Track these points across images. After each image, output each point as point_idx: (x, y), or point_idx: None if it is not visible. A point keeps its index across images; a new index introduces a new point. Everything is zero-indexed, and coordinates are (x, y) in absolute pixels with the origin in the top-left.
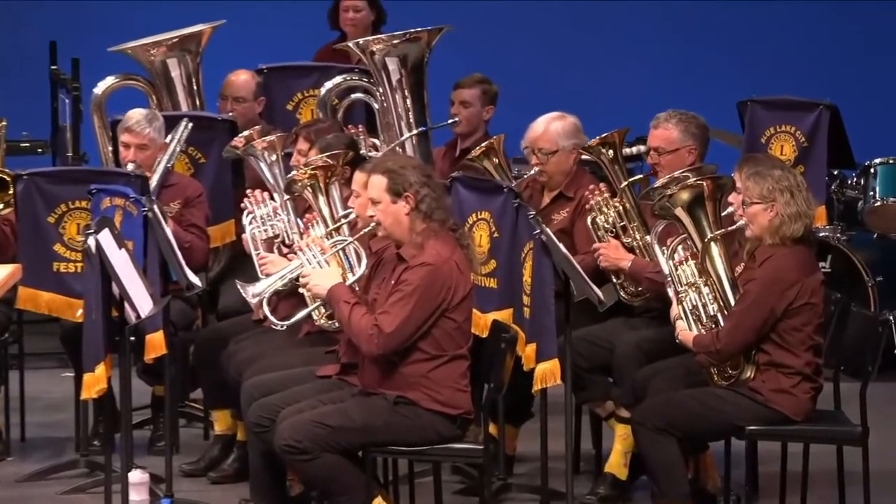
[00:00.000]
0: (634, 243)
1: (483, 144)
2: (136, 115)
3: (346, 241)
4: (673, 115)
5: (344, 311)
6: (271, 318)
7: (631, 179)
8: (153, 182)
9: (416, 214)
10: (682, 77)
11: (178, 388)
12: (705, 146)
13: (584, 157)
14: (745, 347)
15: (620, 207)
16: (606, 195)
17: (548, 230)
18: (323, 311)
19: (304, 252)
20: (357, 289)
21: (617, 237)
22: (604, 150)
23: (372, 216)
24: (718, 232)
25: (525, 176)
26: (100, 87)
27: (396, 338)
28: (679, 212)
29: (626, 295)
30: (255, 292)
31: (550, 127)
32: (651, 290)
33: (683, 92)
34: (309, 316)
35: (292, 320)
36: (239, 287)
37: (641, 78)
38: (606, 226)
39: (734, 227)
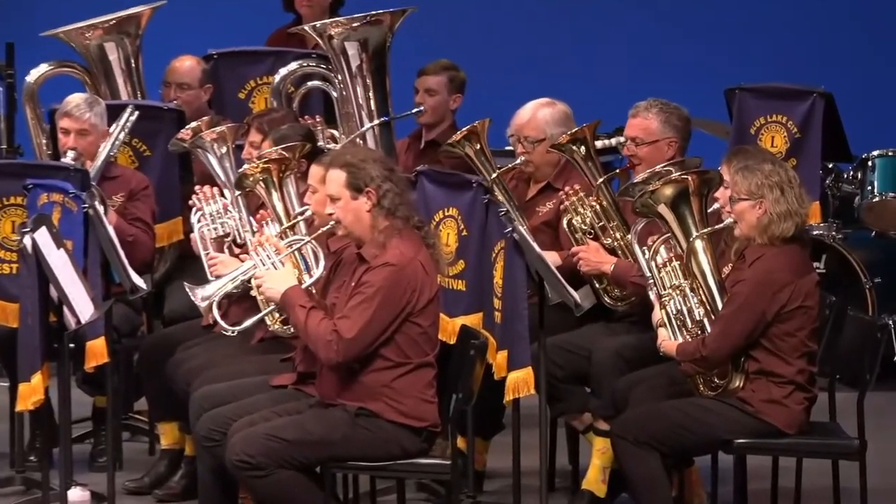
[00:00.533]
0: (615, 244)
1: (465, 128)
2: (75, 99)
3: (302, 240)
4: (654, 104)
5: (300, 316)
6: (221, 322)
7: (608, 175)
8: (93, 171)
9: (377, 211)
10: (664, 64)
11: (121, 398)
12: (686, 140)
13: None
14: (734, 354)
15: (597, 206)
16: (581, 194)
17: (520, 228)
18: (277, 315)
19: (258, 252)
20: (314, 292)
21: (596, 238)
22: (575, 148)
23: (330, 213)
24: (704, 230)
25: (509, 165)
26: (32, 76)
27: (357, 344)
28: (662, 209)
29: (610, 300)
30: (204, 295)
31: (538, 114)
32: (637, 294)
33: (666, 79)
34: (262, 321)
35: (244, 325)
36: (187, 289)
37: (621, 65)
38: (584, 227)
39: (721, 225)
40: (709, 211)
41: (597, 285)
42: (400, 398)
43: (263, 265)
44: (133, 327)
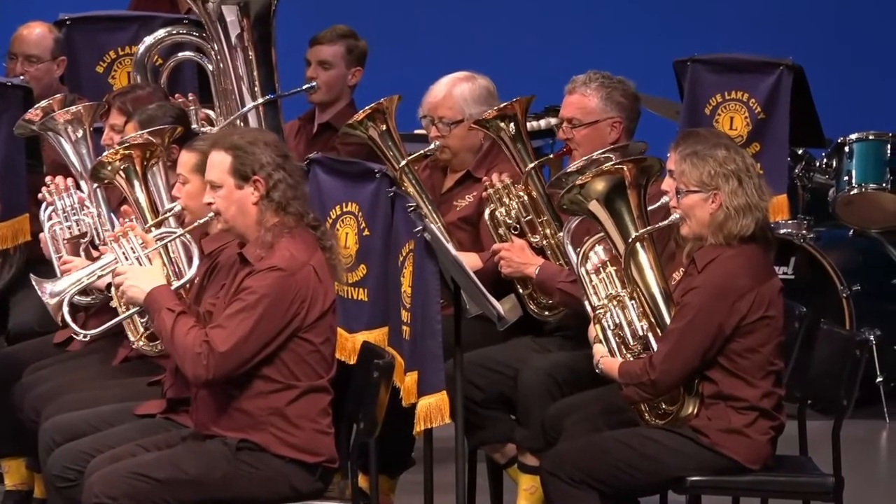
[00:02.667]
0: (545, 242)
1: (368, 107)
2: None
3: (174, 232)
4: (594, 77)
5: (166, 322)
6: (72, 324)
7: (538, 161)
8: None
9: (265, 205)
10: (604, 31)
11: None
12: (634, 120)
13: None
14: (687, 376)
15: (525, 197)
16: (508, 182)
17: (432, 227)
18: (141, 328)
19: (120, 244)
20: (185, 297)
21: (522, 235)
22: (503, 125)
23: (210, 203)
24: (645, 230)
25: (421, 152)
26: None
27: (231, 359)
28: (594, 206)
29: (536, 309)
30: (53, 291)
31: (454, 91)
32: (566, 305)
33: (607, 49)
34: (124, 333)
35: (99, 330)
36: (34, 283)
37: (553, 32)
38: (509, 221)
39: (665, 222)
40: (653, 207)
41: (521, 291)
42: (289, 428)
43: (126, 260)
44: None
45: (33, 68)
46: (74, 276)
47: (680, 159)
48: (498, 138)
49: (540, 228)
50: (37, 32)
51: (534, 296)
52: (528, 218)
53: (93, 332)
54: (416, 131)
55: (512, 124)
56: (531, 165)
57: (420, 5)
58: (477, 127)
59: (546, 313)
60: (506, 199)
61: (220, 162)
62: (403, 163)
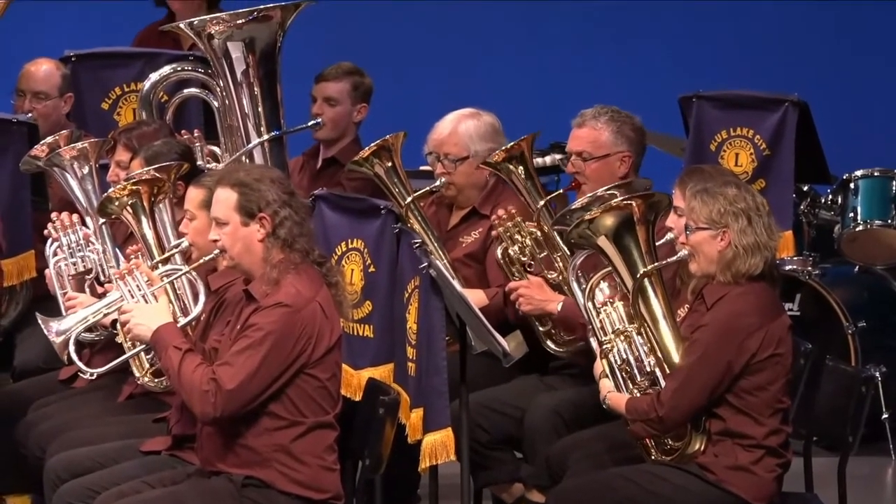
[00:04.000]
0: (561, 278)
1: (375, 143)
2: None
3: (179, 269)
4: (603, 111)
5: (173, 360)
6: (79, 363)
7: (549, 196)
8: None
9: (272, 242)
10: (606, 67)
11: None
12: (641, 155)
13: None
14: (695, 413)
15: (538, 233)
16: (518, 219)
17: (438, 263)
18: (147, 365)
19: (126, 282)
20: (191, 334)
21: (526, 270)
22: (512, 168)
23: (215, 240)
24: (653, 266)
25: (427, 189)
26: None
27: (238, 397)
28: (602, 241)
29: (555, 346)
30: (59, 329)
31: (460, 127)
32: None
33: (609, 85)
34: (130, 373)
35: (105, 368)
36: (40, 322)
37: (555, 68)
38: (523, 259)
39: (674, 258)
40: (660, 242)
41: (540, 328)
42: (295, 465)
43: (132, 297)
44: None
45: (41, 105)
46: (80, 315)
47: (690, 196)
48: (509, 180)
49: (556, 264)
50: (44, 69)
51: (552, 333)
52: (544, 254)
53: (99, 370)
54: (422, 167)
55: (520, 166)
56: (542, 202)
57: (426, 42)
58: (486, 167)
59: (565, 349)
60: (517, 237)
61: (225, 199)
62: (409, 199)
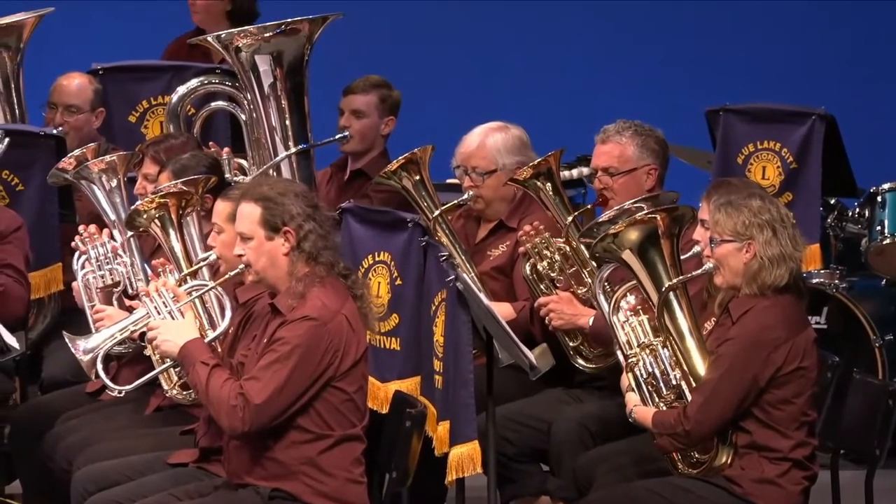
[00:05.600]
0: (591, 293)
1: (403, 157)
2: None
3: (205, 285)
4: (626, 126)
5: (201, 375)
6: (107, 381)
7: (578, 212)
8: None
9: (296, 255)
10: (632, 80)
11: None
12: (665, 167)
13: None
14: (721, 427)
15: (567, 248)
16: (546, 234)
17: (465, 276)
18: (175, 378)
19: (152, 299)
20: (219, 349)
21: (555, 285)
22: (540, 184)
23: (240, 255)
24: (679, 279)
25: (455, 202)
26: None
27: (267, 411)
28: (627, 255)
29: (584, 362)
30: (87, 348)
31: (488, 141)
32: None
33: (634, 98)
34: (158, 385)
35: (133, 385)
36: (67, 341)
37: (581, 82)
38: (552, 274)
39: (699, 272)
40: (685, 256)
41: (570, 344)
42: (322, 477)
43: (159, 314)
44: (4, 395)
45: (73, 118)
46: (107, 333)
47: (714, 209)
48: (537, 197)
49: (585, 279)
50: (77, 83)
51: (581, 349)
52: (573, 269)
53: (127, 387)
54: (449, 181)
55: (548, 182)
56: (570, 218)
57: (452, 54)
58: (514, 184)
59: (596, 365)
60: (546, 252)
61: (249, 213)
62: (437, 212)
